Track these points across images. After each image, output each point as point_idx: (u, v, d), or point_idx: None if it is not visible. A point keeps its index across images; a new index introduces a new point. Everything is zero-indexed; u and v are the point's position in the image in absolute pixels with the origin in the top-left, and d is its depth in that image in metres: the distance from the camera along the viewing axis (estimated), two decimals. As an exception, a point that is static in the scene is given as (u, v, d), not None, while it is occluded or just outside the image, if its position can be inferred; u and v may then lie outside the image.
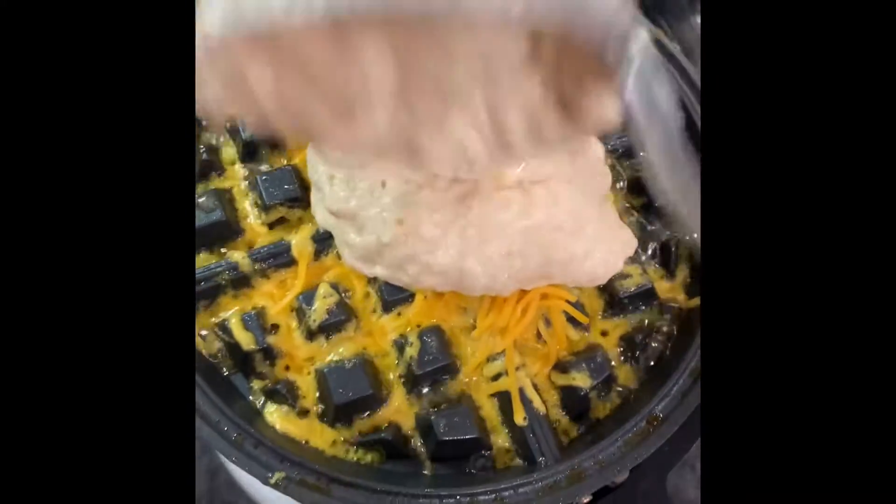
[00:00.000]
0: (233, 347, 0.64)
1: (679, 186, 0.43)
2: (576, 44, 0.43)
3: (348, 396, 0.61)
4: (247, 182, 0.70)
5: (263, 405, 0.63)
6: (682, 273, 0.69)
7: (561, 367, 0.64)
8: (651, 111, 0.42)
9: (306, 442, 0.62)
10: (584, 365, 0.63)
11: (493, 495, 0.59)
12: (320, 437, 0.62)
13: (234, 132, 0.71)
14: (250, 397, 0.64)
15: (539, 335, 0.65)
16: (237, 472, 1.11)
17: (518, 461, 0.62)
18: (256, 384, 0.64)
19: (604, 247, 0.63)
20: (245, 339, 0.63)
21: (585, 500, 0.63)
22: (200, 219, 0.65)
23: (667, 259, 0.69)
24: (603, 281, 0.65)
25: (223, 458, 1.15)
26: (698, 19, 1.17)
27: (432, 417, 0.61)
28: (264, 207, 0.68)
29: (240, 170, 0.71)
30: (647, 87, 0.42)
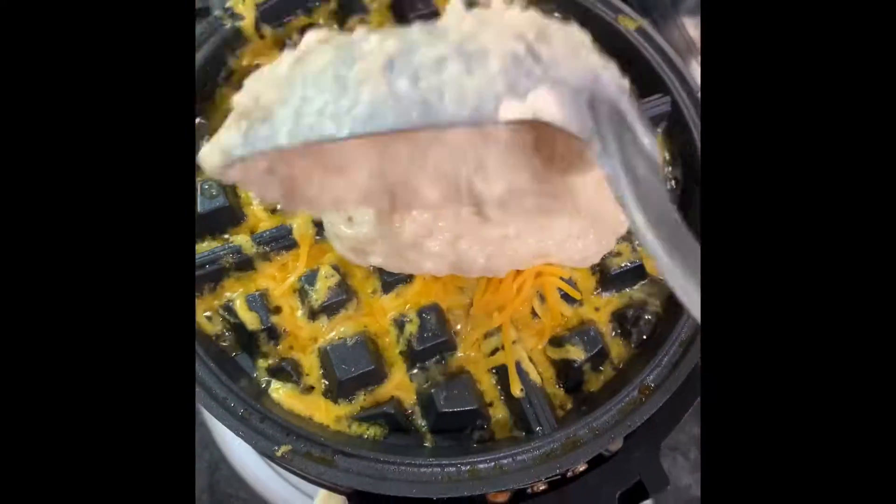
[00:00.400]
0: (238, 328, 0.66)
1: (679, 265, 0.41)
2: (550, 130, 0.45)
3: (351, 372, 0.63)
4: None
5: (269, 383, 0.65)
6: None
7: (555, 341, 0.67)
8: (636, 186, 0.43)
9: (311, 418, 0.64)
10: (577, 338, 0.66)
11: (493, 463, 0.61)
12: (325, 412, 0.64)
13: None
14: (255, 375, 0.66)
15: (534, 312, 0.68)
16: (239, 463, 1.13)
17: (516, 432, 0.65)
18: (261, 363, 0.66)
19: (599, 226, 0.65)
20: (250, 319, 0.65)
21: (581, 468, 0.65)
22: (204, 205, 0.67)
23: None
24: (596, 260, 0.67)
25: (225, 452, 1.17)
26: (684, 19, 1.20)
27: (432, 390, 0.63)
28: (266, 193, 0.70)
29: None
30: (628, 164, 0.43)
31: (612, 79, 0.46)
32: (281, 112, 0.44)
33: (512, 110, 0.43)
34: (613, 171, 0.43)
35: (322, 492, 0.90)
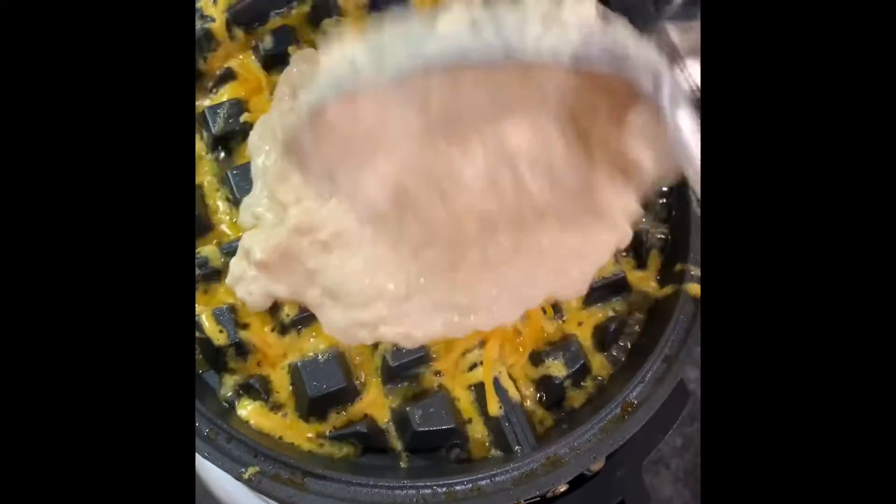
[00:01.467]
0: (204, 343, 0.63)
1: None
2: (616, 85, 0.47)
3: (322, 389, 0.61)
4: (217, 177, 0.69)
5: (236, 401, 0.62)
6: (654, 263, 0.70)
7: (536, 357, 0.64)
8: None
9: (280, 438, 0.61)
10: (559, 354, 0.64)
11: (471, 485, 0.58)
12: (295, 431, 0.62)
13: (203, 125, 0.70)
14: (222, 392, 0.63)
15: (514, 326, 0.65)
16: (211, 481, 1.10)
17: (494, 451, 0.62)
18: (229, 380, 0.63)
19: (592, 243, 0.64)
20: (217, 335, 0.62)
21: (562, 489, 0.63)
22: (170, 214, 0.64)
23: (638, 249, 0.69)
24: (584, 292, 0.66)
25: (197, 468, 1.13)
26: (667, 24, 1.19)
27: (408, 408, 0.61)
28: (235, 202, 0.67)
29: (209, 164, 0.70)
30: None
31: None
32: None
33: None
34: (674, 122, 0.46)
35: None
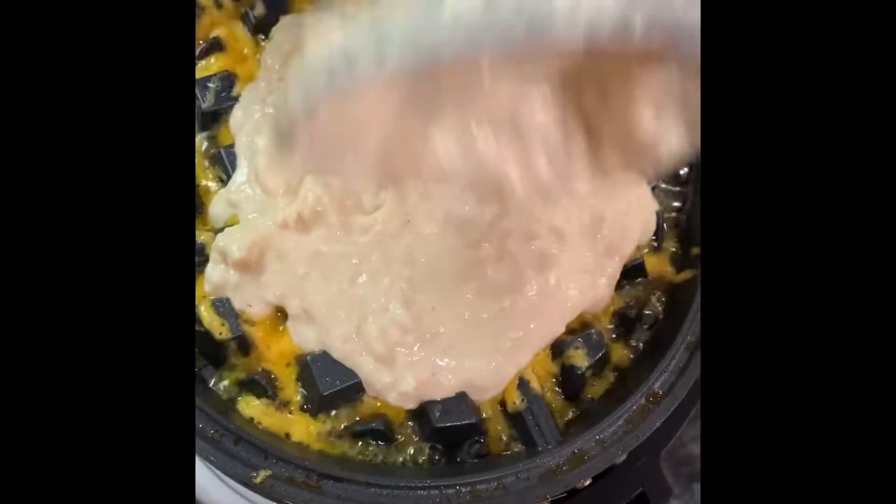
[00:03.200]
0: (203, 336, 0.58)
1: None
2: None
3: (336, 385, 0.57)
4: (209, 157, 0.64)
5: (238, 399, 0.58)
6: (669, 245, 0.68)
7: (556, 347, 0.62)
8: None
9: (287, 436, 0.57)
10: (580, 342, 0.61)
11: (495, 483, 0.55)
12: (304, 429, 0.57)
13: (191, 101, 0.65)
14: (224, 390, 0.58)
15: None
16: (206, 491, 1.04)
17: (515, 446, 0.59)
18: (230, 376, 0.58)
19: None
20: (217, 327, 0.57)
21: (586, 484, 0.60)
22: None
23: (655, 233, 0.67)
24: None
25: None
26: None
27: (426, 404, 0.57)
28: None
29: (201, 142, 0.65)
30: None
31: None
32: None
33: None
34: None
35: None
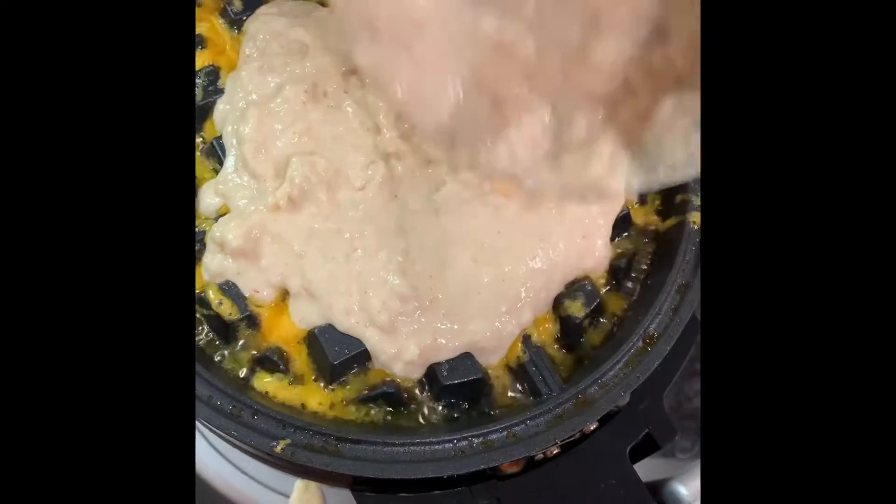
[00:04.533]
0: (212, 319, 0.60)
1: None
2: None
3: (345, 354, 0.59)
4: (203, 152, 0.66)
5: (253, 375, 0.60)
6: (653, 197, 0.70)
7: (556, 301, 0.64)
8: None
9: (303, 406, 0.59)
10: (577, 294, 0.63)
11: (505, 433, 0.58)
12: (318, 399, 0.60)
13: (181, 98, 0.66)
14: (235, 367, 0.60)
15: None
16: (209, 474, 1.07)
17: (521, 398, 0.62)
18: (242, 355, 0.61)
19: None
20: (226, 309, 0.60)
21: (592, 427, 0.63)
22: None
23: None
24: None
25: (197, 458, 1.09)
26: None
27: (433, 365, 0.60)
28: (225, 173, 0.64)
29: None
30: None
31: None
32: None
33: None
34: None
35: (298, 485, 0.86)
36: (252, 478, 1.03)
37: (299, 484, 0.85)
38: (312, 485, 0.84)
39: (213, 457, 1.03)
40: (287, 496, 0.90)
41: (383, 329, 0.59)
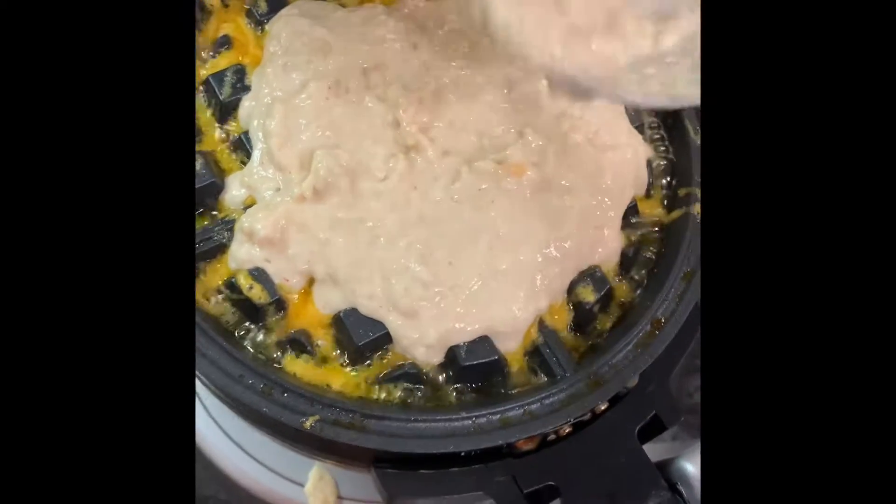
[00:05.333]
0: (242, 303, 0.63)
1: None
2: None
3: (369, 336, 0.62)
4: (229, 144, 0.69)
5: (281, 357, 0.63)
6: (658, 190, 0.74)
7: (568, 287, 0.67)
8: None
9: (328, 386, 0.62)
10: (587, 280, 0.67)
11: (522, 410, 0.61)
12: (343, 380, 0.63)
13: (209, 94, 0.70)
14: (266, 350, 0.63)
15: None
16: (219, 460, 1.09)
17: (536, 379, 0.65)
18: (271, 337, 0.63)
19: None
20: (256, 293, 0.62)
21: (603, 408, 0.66)
22: (190, 183, 0.64)
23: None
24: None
25: (204, 451, 1.12)
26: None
27: (453, 347, 0.63)
28: (253, 165, 0.67)
29: (218, 133, 0.70)
30: None
31: None
32: None
33: None
34: None
35: (313, 473, 0.88)
36: (269, 468, 1.05)
37: (314, 472, 0.88)
38: (326, 474, 0.87)
39: (232, 449, 1.06)
40: (302, 485, 0.93)
41: (406, 314, 0.62)
